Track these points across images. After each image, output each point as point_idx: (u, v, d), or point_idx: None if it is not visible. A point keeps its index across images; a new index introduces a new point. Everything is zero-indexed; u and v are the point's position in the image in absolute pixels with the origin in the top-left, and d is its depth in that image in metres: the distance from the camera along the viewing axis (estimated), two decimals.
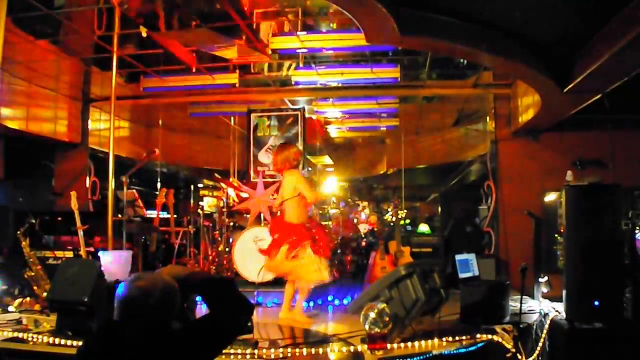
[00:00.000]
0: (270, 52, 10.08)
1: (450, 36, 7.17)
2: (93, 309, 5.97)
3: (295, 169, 7.63)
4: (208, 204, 13.02)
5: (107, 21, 9.41)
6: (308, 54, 10.56)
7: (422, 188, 17.73)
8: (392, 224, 10.65)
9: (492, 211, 11.13)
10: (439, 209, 16.89)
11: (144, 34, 8.89)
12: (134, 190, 9.96)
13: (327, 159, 16.24)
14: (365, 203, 13.91)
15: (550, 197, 10.18)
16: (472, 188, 13.71)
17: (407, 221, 16.23)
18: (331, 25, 10.76)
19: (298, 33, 9.63)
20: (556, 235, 8.57)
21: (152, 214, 11.01)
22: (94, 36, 9.83)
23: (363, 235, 10.81)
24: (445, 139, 15.18)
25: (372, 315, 5.68)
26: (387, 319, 5.67)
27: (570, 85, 7.87)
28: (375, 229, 11.31)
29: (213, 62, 10.83)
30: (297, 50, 10.09)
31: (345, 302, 8.54)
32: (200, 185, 15.91)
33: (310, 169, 14.33)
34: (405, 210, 13.98)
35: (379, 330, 5.62)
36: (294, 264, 7.21)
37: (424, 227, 16.07)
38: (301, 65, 11.30)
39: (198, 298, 5.99)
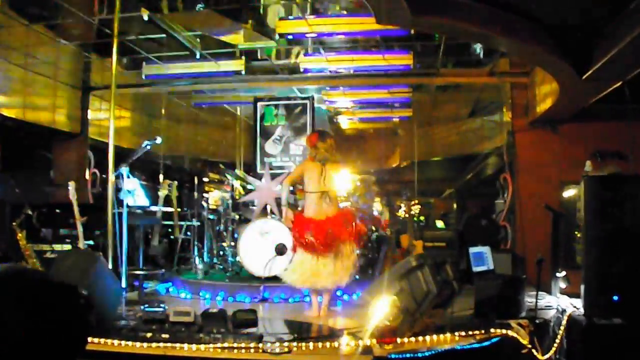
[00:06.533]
0: (277, 37, 9.78)
1: (464, 18, 6.98)
2: (91, 302, 5.66)
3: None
4: (214, 199, 12.76)
5: (107, 4, 9.16)
6: (317, 39, 10.29)
7: (436, 182, 17.48)
8: (404, 219, 10.35)
9: (509, 205, 10.92)
10: (454, 206, 16.60)
11: (146, 17, 8.62)
12: (135, 180, 9.67)
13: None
14: (378, 198, 13.60)
15: (570, 192, 9.88)
16: (488, 183, 13.47)
17: (422, 218, 15.93)
18: (342, 11, 10.46)
19: (306, 17, 9.33)
20: (576, 232, 8.28)
21: (155, 208, 10.76)
22: (94, 20, 9.56)
23: (374, 229, 10.50)
24: (461, 131, 14.92)
25: (382, 308, 5.58)
26: (397, 311, 5.62)
27: (589, 72, 7.65)
28: (386, 225, 11.02)
29: (218, 47, 10.58)
30: (306, 35, 9.82)
31: (354, 297, 8.40)
32: (205, 179, 15.68)
33: None
34: (419, 206, 13.67)
35: (388, 324, 5.54)
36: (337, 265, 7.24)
37: (438, 224, 15.83)
38: (310, 51, 11.07)
39: None
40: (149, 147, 8.15)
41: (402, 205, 10.87)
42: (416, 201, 13.07)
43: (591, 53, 7.52)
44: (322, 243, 7.15)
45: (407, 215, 10.13)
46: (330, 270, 7.18)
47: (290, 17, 9.90)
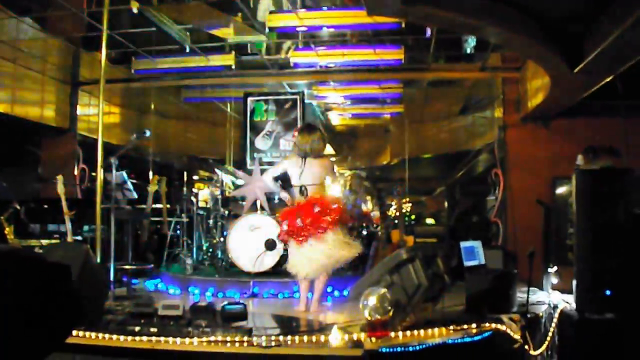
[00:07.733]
0: (267, 30, 9.70)
1: (455, 8, 6.84)
2: (80, 295, 5.59)
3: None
4: (203, 196, 12.68)
5: None
6: (308, 33, 10.21)
7: (427, 180, 17.29)
8: (394, 218, 10.25)
9: (500, 201, 10.85)
10: (446, 204, 16.51)
11: (136, 10, 8.52)
12: (124, 172, 9.60)
13: (329, 148, 15.78)
14: (369, 196, 13.52)
15: (562, 189, 9.87)
16: (479, 181, 13.36)
17: (412, 217, 15.84)
18: (332, 5, 10.40)
19: (297, 10, 9.26)
20: (569, 230, 8.26)
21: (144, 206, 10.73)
22: (83, 13, 9.46)
23: (365, 225, 10.40)
24: (452, 128, 14.78)
25: (372, 301, 5.45)
26: (388, 305, 5.45)
27: (581, 65, 7.58)
28: (377, 222, 10.93)
29: (208, 42, 10.58)
30: (296, 29, 9.72)
31: (345, 293, 8.26)
32: (195, 177, 15.58)
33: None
34: (410, 204, 13.57)
35: (379, 317, 5.40)
36: (324, 248, 6.98)
37: (429, 221, 15.73)
38: (300, 46, 10.99)
39: None
40: (137, 140, 8.09)
41: (393, 202, 10.78)
42: (407, 199, 12.98)
43: (583, 46, 7.46)
44: (310, 219, 6.98)
45: (398, 213, 10.03)
46: (325, 251, 6.97)
47: (280, 10, 9.83)
